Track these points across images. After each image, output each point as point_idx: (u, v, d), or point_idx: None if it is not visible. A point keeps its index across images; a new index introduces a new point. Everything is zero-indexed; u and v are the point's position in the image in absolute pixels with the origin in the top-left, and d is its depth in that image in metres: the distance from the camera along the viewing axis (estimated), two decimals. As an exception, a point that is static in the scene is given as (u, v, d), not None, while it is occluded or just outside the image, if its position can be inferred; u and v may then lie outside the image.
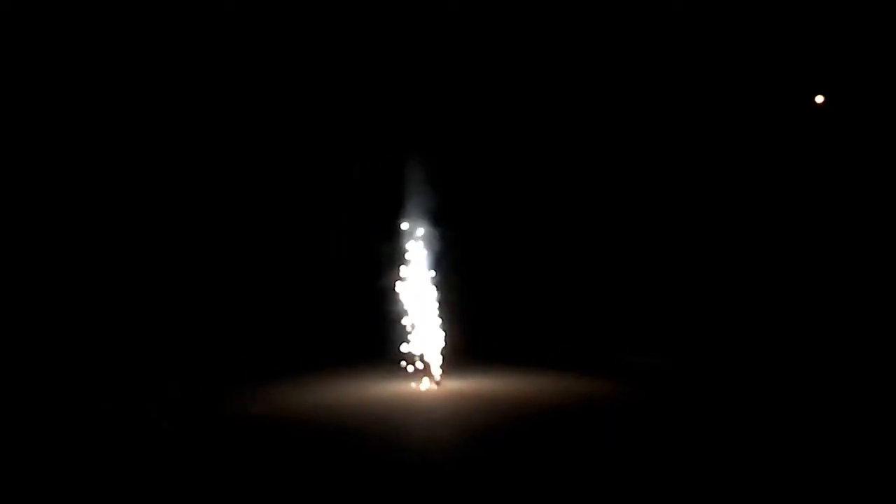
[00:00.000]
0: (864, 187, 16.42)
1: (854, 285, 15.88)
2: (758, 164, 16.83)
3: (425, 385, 11.92)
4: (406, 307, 12.41)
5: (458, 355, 13.07)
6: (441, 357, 12.25)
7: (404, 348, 12.32)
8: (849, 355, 12.98)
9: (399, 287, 12.44)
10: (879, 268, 15.98)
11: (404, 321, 12.37)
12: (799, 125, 16.68)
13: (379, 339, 12.88)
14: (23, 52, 15.22)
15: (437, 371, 12.14)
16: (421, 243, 12.45)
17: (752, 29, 16.17)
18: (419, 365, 12.22)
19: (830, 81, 16.46)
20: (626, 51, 16.59)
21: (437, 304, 12.45)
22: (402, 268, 12.47)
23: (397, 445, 7.63)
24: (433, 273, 12.48)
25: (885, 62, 15.96)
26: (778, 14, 16.03)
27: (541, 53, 16.49)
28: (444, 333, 12.38)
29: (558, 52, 16.50)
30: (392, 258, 12.57)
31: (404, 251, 12.49)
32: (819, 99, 15.77)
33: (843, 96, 16.37)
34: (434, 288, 12.45)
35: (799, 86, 16.61)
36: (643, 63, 16.64)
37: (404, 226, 12.52)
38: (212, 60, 16.15)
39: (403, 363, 12.26)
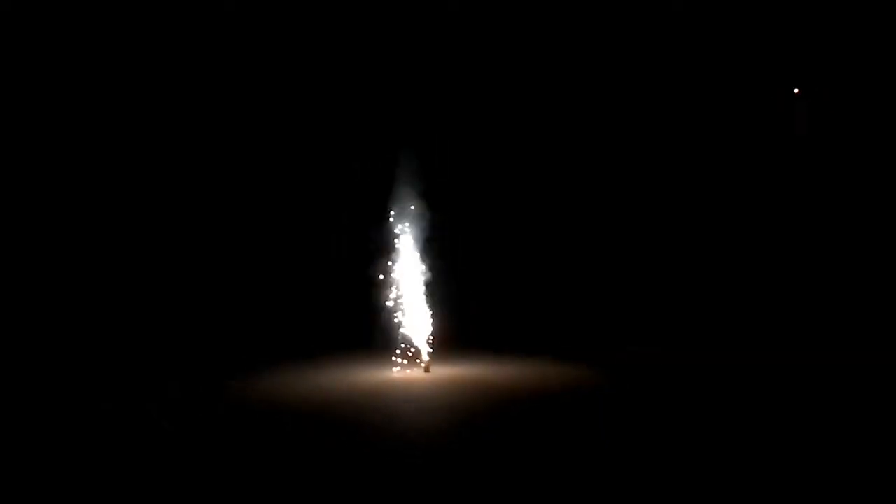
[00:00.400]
0: (865, 187, 16.41)
1: (854, 285, 15.87)
2: (758, 164, 16.82)
3: (415, 372, 11.99)
4: (396, 295, 12.51)
5: (448, 342, 13.14)
6: (430, 344, 12.35)
7: (394, 336, 12.43)
8: (849, 355, 12.98)
9: (389, 275, 12.54)
10: (879, 268, 15.97)
11: (394, 309, 12.48)
12: (798, 124, 16.67)
13: (369, 326, 12.96)
14: (23, 52, 15.22)
15: (426, 358, 12.24)
16: (410, 231, 12.54)
17: (752, 28, 16.17)
18: (409, 352, 12.33)
19: (829, 79, 16.45)
20: (626, 50, 16.59)
21: (426, 292, 12.54)
22: (391, 255, 12.57)
23: (389, 433, 7.67)
24: (422, 261, 12.56)
25: (883, 61, 15.96)
26: (776, 13, 16.03)
27: (539, 50, 16.49)
28: (433, 320, 12.47)
29: (557, 48, 16.51)
30: (381, 246, 12.65)
31: (393, 239, 12.59)
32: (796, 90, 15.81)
33: (843, 95, 16.36)
34: (423, 275, 12.54)
35: (798, 85, 16.61)
36: (642, 61, 16.65)
37: (393, 213, 12.61)
38: (212, 60, 16.15)
39: (393, 350, 12.37)
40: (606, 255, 16.92)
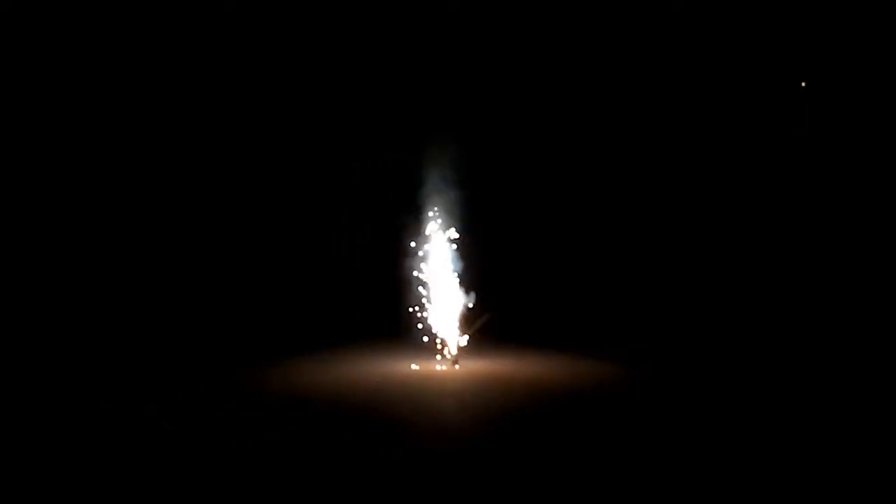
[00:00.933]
0: (865, 186, 16.40)
1: (854, 285, 15.86)
2: (759, 163, 16.81)
3: (444, 365, 11.96)
4: (425, 286, 12.47)
5: (477, 335, 13.05)
6: (460, 337, 12.29)
7: (423, 328, 12.39)
8: (849, 355, 12.97)
9: (418, 266, 12.51)
10: (879, 268, 15.96)
11: (423, 300, 12.44)
12: (799, 124, 16.66)
13: (399, 318, 12.92)
14: (23, 52, 15.22)
15: (455, 351, 12.18)
16: (441, 222, 12.49)
17: (752, 28, 16.15)
18: (438, 345, 12.29)
19: (829, 79, 16.44)
20: (625, 50, 16.58)
21: (456, 284, 12.48)
22: (421, 249, 12.53)
23: (418, 430, 7.65)
24: (453, 255, 12.51)
25: (883, 61, 15.95)
26: (776, 13, 16.02)
27: (541, 50, 16.47)
28: (462, 313, 12.41)
29: (558, 49, 16.49)
30: (412, 237, 12.62)
31: (424, 231, 12.55)
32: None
33: (845, 95, 16.35)
34: (453, 269, 12.49)
35: (799, 84, 16.59)
36: (642, 62, 16.63)
37: (425, 208, 12.59)
38: (212, 60, 16.15)
39: (423, 343, 12.34)
40: (626, 249, 16.86)
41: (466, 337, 12.34)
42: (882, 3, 15.58)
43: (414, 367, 11.88)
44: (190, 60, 16.06)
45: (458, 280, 12.48)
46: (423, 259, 12.55)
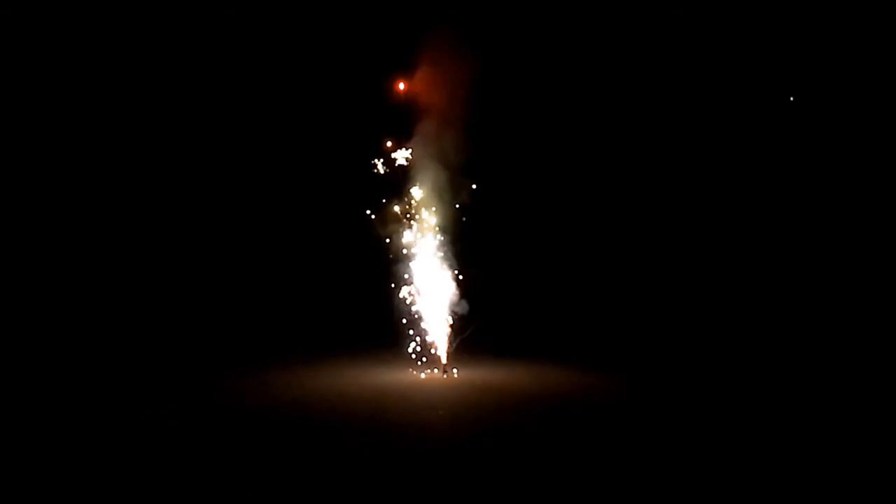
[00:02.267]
0: (863, 189, 16.40)
1: (854, 286, 15.87)
2: (758, 166, 16.81)
3: (435, 374, 11.96)
4: (417, 298, 12.45)
5: (467, 344, 13.04)
6: (450, 346, 12.29)
7: (414, 337, 12.38)
8: (848, 355, 13.00)
9: (409, 277, 12.49)
10: (878, 269, 15.97)
11: (414, 310, 12.42)
12: (798, 126, 16.66)
13: (390, 326, 12.90)
14: (23, 52, 15.21)
15: (446, 361, 12.17)
16: (433, 232, 12.46)
17: (752, 29, 16.16)
18: (429, 354, 12.29)
19: (829, 81, 16.44)
20: (625, 51, 16.57)
21: (448, 295, 12.46)
22: (411, 257, 12.50)
23: (411, 442, 7.67)
24: (446, 263, 12.48)
25: (884, 62, 15.96)
26: (777, 14, 16.03)
27: (543, 52, 16.45)
28: (454, 323, 12.40)
29: (559, 51, 16.47)
30: (403, 248, 12.59)
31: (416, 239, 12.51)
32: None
33: (845, 96, 16.35)
34: (446, 278, 12.46)
35: (799, 86, 16.61)
36: (642, 64, 16.63)
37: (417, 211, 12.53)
38: (212, 60, 16.15)
39: (413, 352, 12.32)
40: (619, 257, 16.86)
41: (455, 346, 12.35)
42: (876, 8, 15.57)
43: (418, 374, 11.91)
44: (190, 60, 16.06)
45: (449, 289, 12.49)
46: (415, 268, 12.54)
